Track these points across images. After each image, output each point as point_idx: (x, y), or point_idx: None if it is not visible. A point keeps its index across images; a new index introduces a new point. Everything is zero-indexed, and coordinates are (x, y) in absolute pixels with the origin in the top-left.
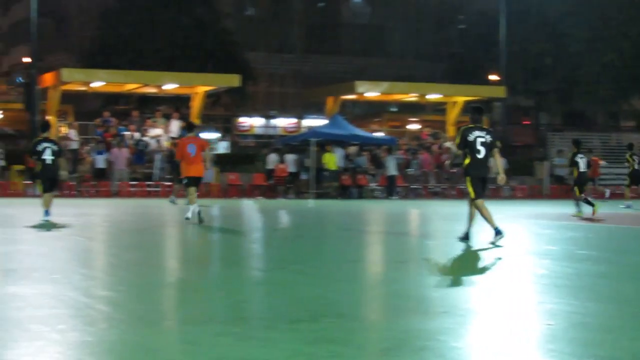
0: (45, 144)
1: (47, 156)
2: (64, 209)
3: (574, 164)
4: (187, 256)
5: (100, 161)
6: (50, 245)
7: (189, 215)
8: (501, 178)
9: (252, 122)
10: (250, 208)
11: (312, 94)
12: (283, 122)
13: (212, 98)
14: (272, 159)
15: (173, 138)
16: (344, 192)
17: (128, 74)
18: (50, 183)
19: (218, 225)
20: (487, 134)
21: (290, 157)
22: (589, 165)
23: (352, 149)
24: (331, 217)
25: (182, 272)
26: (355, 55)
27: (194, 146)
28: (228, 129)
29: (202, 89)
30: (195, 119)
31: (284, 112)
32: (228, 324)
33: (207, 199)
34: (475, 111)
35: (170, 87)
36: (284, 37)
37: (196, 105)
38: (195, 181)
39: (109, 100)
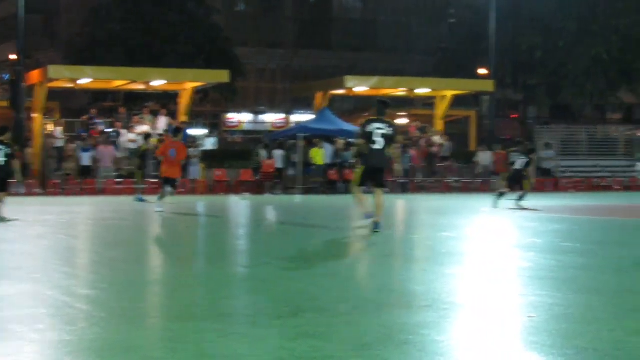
0: None
1: (1, 158)
2: (48, 207)
3: (511, 163)
4: (170, 253)
5: (86, 159)
6: (33, 243)
7: (159, 209)
8: (397, 169)
9: (241, 118)
10: (236, 204)
11: (301, 89)
12: (272, 118)
13: (200, 94)
14: (261, 154)
15: (160, 135)
16: (331, 187)
17: (115, 71)
18: (1, 183)
19: (203, 221)
20: (388, 126)
21: (277, 153)
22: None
23: (340, 144)
24: (317, 213)
25: (164, 269)
26: (346, 50)
27: (175, 150)
28: (216, 125)
29: (190, 85)
30: (183, 116)
31: (273, 107)
32: (210, 320)
33: (193, 196)
34: (379, 104)
35: (158, 83)
36: (274, 32)
37: (184, 101)
38: (170, 181)
39: (97, 97)
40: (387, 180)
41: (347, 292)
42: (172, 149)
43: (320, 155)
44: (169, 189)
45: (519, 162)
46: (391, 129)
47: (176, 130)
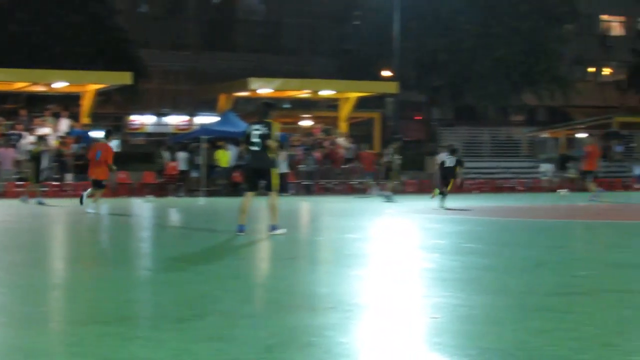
0: None
1: None
2: None
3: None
4: (73, 256)
5: None
6: None
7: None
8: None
9: (144, 120)
10: (140, 207)
11: (205, 91)
12: (175, 120)
13: (103, 96)
14: (164, 156)
15: (62, 137)
16: (235, 190)
17: (17, 73)
18: None
19: (106, 224)
20: (264, 126)
21: (181, 155)
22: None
23: (243, 146)
24: (221, 215)
25: (67, 273)
26: (251, 52)
27: (100, 152)
28: (119, 127)
29: (93, 87)
30: (85, 118)
31: (177, 109)
32: (112, 324)
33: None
34: (263, 106)
35: (59, 85)
36: (178, 34)
37: (87, 103)
38: (95, 183)
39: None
40: (288, 183)
41: (251, 295)
42: (98, 150)
43: (226, 157)
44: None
45: (449, 160)
46: (266, 129)
47: (107, 133)
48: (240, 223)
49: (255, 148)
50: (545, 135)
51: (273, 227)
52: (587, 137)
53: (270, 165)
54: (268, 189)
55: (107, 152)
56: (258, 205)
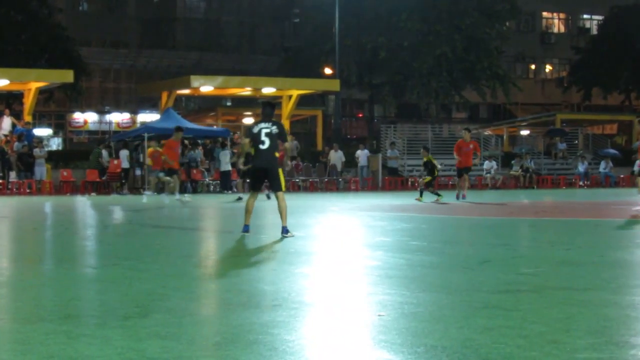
0: None
1: None
2: None
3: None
4: (16, 254)
5: None
6: None
7: None
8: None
9: (86, 118)
10: (83, 204)
11: (146, 89)
12: (117, 118)
13: (45, 94)
14: (105, 155)
15: (5, 135)
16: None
17: None
18: None
19: (49, 222)
20: (272, 125)
21: (123, 153)
22: None
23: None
24: (165, 213)
25: (9, 271)
26: (191, 49)
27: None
28: (61, 125)
29: (34, 85)
30: (28, 116)
31: (119, 107)
32: (58, 322)
33: (39, 196)
34: (265, 106)
35: (1, 83)
36: (118, 31)
37: (29, 101)
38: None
39: None
40: (232, 180)
41: (197, 292)
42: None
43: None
44: None
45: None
46: (275, 127)
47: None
48: (246, 223)
49: (263, 147)
50: (487, 132)
51: (285, 230)
52: None
53: (278, 165)
54: (276, 189)
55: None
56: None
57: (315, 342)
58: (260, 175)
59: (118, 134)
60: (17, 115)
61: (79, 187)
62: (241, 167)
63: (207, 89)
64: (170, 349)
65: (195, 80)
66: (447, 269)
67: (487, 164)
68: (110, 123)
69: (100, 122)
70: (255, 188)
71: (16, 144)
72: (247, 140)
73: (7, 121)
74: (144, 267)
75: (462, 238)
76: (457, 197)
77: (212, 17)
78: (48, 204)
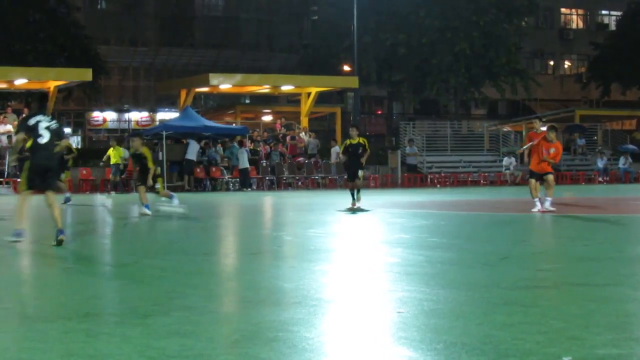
0: None
1: None
2: None
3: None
4: (37, 253)
5: None
6: None
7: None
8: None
9: (105, 116)
10: (102, 203)
11: (165, 87)
12: (136, 116)
13: (64, 93)
14: (125, 153)
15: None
16: (197, 185)
17: None
18: None
19: (69, 220)
20: (51, 120)
21: None
22: None
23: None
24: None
25: (31, 269)
26: (209, 47)
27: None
28: (80, 123)
29: (53, 84)
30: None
31: (138, 105)
32: (77, 320)
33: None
34: (41, 98)
35: (20, 82)
36: (136, 30)
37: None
38: None
39: None
40: (250, 178)
41: (216, 290)
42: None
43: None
44: None
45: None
46: (55, 123)
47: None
48: (18, 228)
49: (43, 141)
50: (507, 128)
51: (59, 231)
52: None
53: (56, 161)
54: (50, 187)
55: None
56: (214, 200)
57: (335, 340)
58: (40, 172)
59: (137, 132)
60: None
61: (98, 186)
62: (14, 163)
63: (225, 86)
64: (190, 347)
65: (214, 78)
66: (466, 265)
67: (506, 160)
68: (129, 121)
69: (119, 120)
70: (32, 186)
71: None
72: (22, 136)
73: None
74: (163, 265)
75: (481, 234)
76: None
77: (230, 15)
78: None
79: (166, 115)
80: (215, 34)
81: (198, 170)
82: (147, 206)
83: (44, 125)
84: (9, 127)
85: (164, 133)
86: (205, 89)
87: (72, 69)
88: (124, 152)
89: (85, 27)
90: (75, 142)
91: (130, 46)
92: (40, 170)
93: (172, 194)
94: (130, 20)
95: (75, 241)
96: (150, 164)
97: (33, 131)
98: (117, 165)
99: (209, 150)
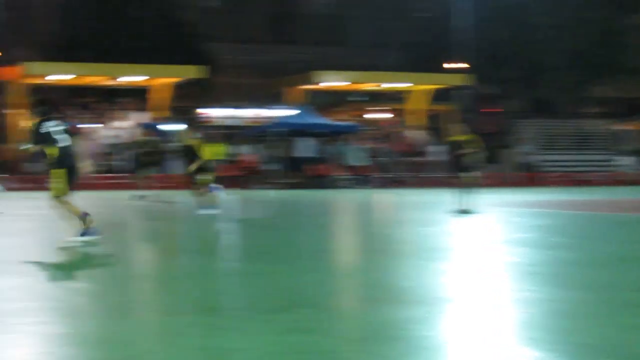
0: None
1: None
2: (29, 201)
3: None
4: (160, 248)
5: None
6: (22, 237)
7: None
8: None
9: (216, 113)
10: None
11: (274, 85)
12: (246, 113)
13: (177, 90)
14: (241, 149)
15: (139, 130)
16: (314, 182)
17: (91, 67)
18: None
19: (187, 217)
20: (62, 123)
21: (255, 148)
22: None
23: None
24: (303, 208)
25: (155, 264)
26: (317, 45)
27: None
28: (192, 120)
29: (165, 81)
30: (157, 112)
31: (248, 102)
32: (200, 315)
33: (174, 191)
34: (46, 102)
35: (133, 79)
36: (247, 27)
37: (160, 97)
38: None
39: (73, 93)
40: (369, 176)
41: (339, 288)
42: None
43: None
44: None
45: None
46: (63, 124)
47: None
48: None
49: (65, 144)
50: (624, 127)
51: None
52: None
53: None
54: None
55: None
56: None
57: (457, 339)
58: (73, 173)
59: (251, 129)
60: (143, 110)
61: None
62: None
63: (334, 84)
64: (313, 343)
65: (322, 76)
66: (587, 265)
67: (625, 160)
68: (239, 118)
69: (230, 117)
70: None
71: (150, 138)
72: (35, 147)
73: (138, 116)
74: (286, 262)
75: (601, 234)
76: None
77: (338, 13)
78: (179, 198)
79: (277, 112)
80: (322, 32)
81: (313, 167)
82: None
83: (58, 129)
84: (122, 123)
85: (275, 130)
86: (313, 86)
87: (183, 66)
88: (223, 149)
89: (197, 25)
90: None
91: (238, 43)
92: (73, 172)
93: (216, 187)
94: (241, 18)
95: (195, 236)
96: (200, 155)
97: (49, 138)
98: (211, 162)
99: (323, 147)
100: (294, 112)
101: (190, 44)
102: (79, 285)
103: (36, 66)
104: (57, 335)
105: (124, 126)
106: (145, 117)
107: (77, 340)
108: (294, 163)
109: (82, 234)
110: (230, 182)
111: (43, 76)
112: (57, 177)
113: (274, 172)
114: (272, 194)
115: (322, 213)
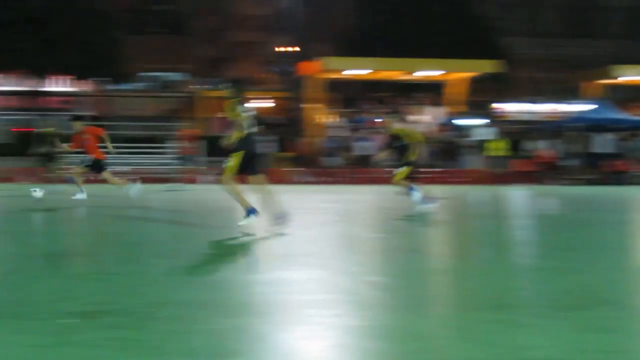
0: None
1: None
2: (322, 195)
3: None
4: (451, 243)
5: (360, 148)
6: (317, 230)
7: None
8: None
9: (512, 108)
10: (510, 195)
11: (569, 79)
12: (543, 108)
13: (473, 84)
14: (538, 144)
15: (437, 125)
16: (611, 178)
17: (388, 62)
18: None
19: (481, 211)
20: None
21: (552, 143)
22: None
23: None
24: (601, 204)
25: (448, 259)
26: (615, 38)
27: None
28: (489, 114)
29: (461, 76)
30: (457, 106)
31: (544, 97)
32: (494, 310)
33: (466, 185)
34: (237, 87)
35: (429, 74)
36: (542, 21)
37: (455, 91)
38: None
39: (368, 87)
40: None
41: (635, 286)
42: None
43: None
44: None
45: None
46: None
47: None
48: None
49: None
50: None
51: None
52: None
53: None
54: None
55: None
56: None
57: None
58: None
59: (545, 124)
60: (438, 105)
61: (500, 178)
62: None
63: (635, 78)
64: (609, 343)
65: (621, 70)
66: None
67: None
68: (536, 113)
69: (526, 112)
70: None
71: (446, 133)
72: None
73: (434, 111)
74: (582, 259)
75: None
76: None
77: (635, 5)
78: (476, 193)
79: (571, 107)
80: (621, 25)
81: (610, 163)
82: (412, 189)
83: (248, 115)
84: (418, 118)
85: (573, 125)
86: (609, 81)
87: (476, 60)
88: (504, 145)
89: (491, 18)
90: (484, 134)
91: (533, 37)
92: (253, 158)
93: (414, 187)
94: (533, 12)
95: (488, 232)
96: (410, 140)
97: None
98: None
99: (622, 142)
100: (591, 106)
101: (486, 38)
102: (374, 279)
103: (334, 61)
104: (353, 327)
105: (421, 120)
106: (441, 111)
107: (371, 333)
108: (591, 159)
109: (247, 214)
110: (525, 177)
111: (340, 71)
112: (234, 158)
113: (571, 168)
114: (569, 189)
115: (620, 210)
